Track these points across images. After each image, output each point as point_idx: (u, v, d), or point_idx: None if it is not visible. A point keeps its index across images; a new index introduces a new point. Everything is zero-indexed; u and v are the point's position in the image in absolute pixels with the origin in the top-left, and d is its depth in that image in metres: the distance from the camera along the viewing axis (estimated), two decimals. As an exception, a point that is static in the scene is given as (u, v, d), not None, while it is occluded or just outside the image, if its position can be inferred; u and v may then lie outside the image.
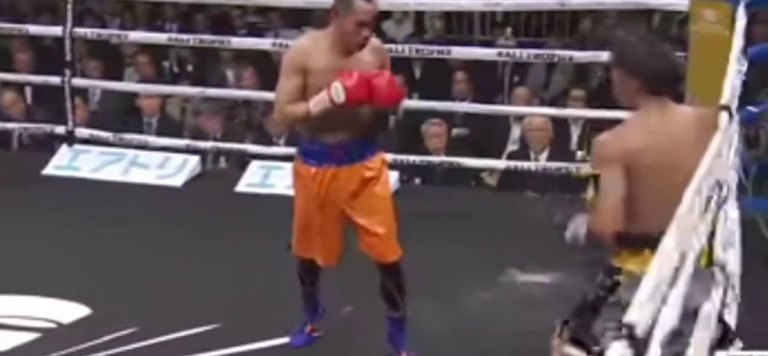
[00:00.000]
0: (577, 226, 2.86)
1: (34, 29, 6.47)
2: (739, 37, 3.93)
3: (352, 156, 3.40)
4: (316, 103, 3.27)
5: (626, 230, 2.65)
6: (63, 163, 5.69)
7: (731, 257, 3.50)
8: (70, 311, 4.04)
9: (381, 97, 3.29)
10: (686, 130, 2.70)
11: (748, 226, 4.22)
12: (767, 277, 3.69)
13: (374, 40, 3.45)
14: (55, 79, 5.85)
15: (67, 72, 5.78)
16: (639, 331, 1.55)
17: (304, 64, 3.29)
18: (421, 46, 6.23)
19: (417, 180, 5.87)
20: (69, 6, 5.71)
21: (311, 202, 3.45)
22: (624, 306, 2.58)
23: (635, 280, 2.61)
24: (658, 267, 1.76)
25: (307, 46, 3.37)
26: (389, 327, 3.56)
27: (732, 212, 3.81)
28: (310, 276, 3.67)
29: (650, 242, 2.53)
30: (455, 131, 6.45)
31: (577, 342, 2.75)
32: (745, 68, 4.36)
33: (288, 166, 5.63)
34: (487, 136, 6.38)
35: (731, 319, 3.22)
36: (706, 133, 2.63)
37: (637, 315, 1.58)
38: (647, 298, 1.64)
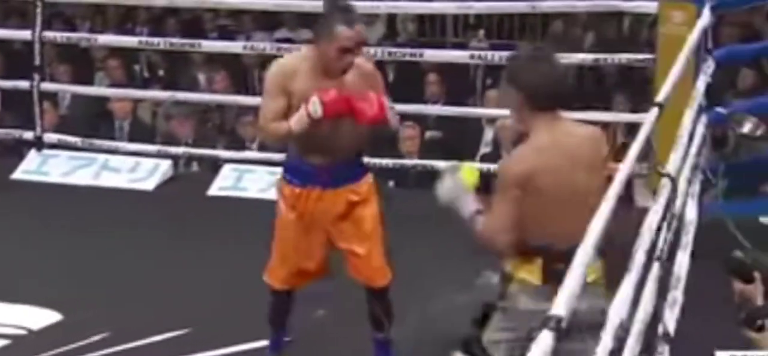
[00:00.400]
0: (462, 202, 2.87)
1: (2, 33, 6.43)
2: (696, 36, 3.98)
3: (337, 179, 3.34)
4: (297, 120, 3.21)
5: (521, 239, 2.70)
6: (32, 168, 5.65)
7: (680, 259, 3.57)
8: (40, 317, 4.01)
9: (361, 114, 3.24)
10: (579, 147, 2.73)
11: (716, 227, 4.29)
12: (721, 280, 3.72)
13: (367, 65, 3.39)
14: (23, 84, 5.81)
15: (36, 76, 5.74)
16: (564, 323, 1.63)
17: (287, 85, 3.25)
18: (393, 49, 6.26)
19: (390, 183, 5.89)
20: (38, 10, 5.68)
21: (295, 223, 3.36)
22: (515, 311, 2.68)
23: (526, 287, 2.68)
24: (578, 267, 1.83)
25: (291, 67, 3.30)
26: (375, 349, 3.52)
27: (689, 213, 3.88)
28: (281, 318, 3.56)
29: (542, 252, 2.67)
30: (428, 134, 6.48)
31: (467, 351, 2.82)
32: (711, 70, 4.42)
33: (261, 170, 5.68)
34: (460, 138, 6.41)
35: (672, 319, 3.28)
36: (600, 152, 2.75)
37: (563, 308, 1.67)
38: (571, 295, 1.73)
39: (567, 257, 2.41)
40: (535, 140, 2.72)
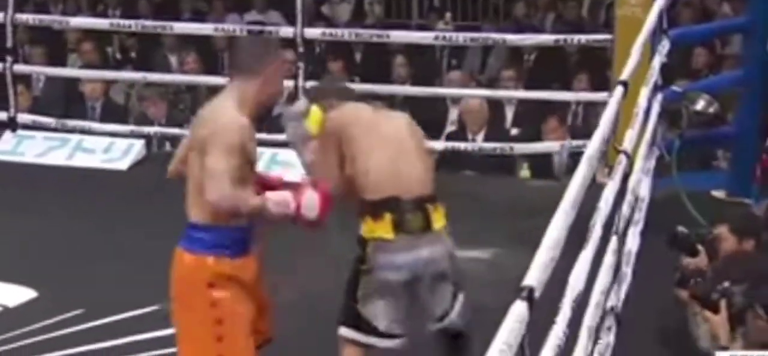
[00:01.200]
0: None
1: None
2: (652, 17, 4.02)
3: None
4: (278, 204, 2.63)
5: (367, 200, 2.87)
6: (7, 148, 5.61)
7: (631, 235, 3.62)
8: (16, 294, 3.99)
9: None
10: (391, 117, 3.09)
11: (669, 203, 4.34)
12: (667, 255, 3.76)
13: None
14: (-4, 66, 5.75)
15: (9, 59, 5.68)
16: (537, 294, 1.66)
17: (246, 146, 2.62)
18: (361, 31, 6.24)
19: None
20: (10, -8, 5.61)
21: (248, 300, 2.68)
22: (376, 270, 2.77)
23: (381, 243, 2.77)
24: (554, 234, 1.87)
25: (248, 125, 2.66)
26: None
27: (642, 190, 3.93)
28: None
29: (388, 206, 2.84)
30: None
31: (346, 323, 2.91)
32: (666, 50, 4.46)
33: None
34: (425, 118, 6.41)
35: (621, 293, 3.33)
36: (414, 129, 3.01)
37: (535, 278, 1.69)
38: (544, 264, 1.75)
39: (412, 207, 2.83)
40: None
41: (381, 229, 2.85)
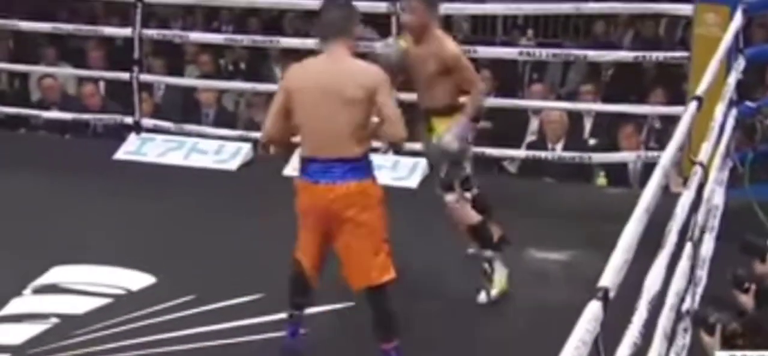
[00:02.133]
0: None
1: (108, 31, 6.56)
2: (729, 36, 3.90)
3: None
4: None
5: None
6: (132, 149, 5.76)
7: (706, 241, 3.50)
8: (138, 280, 4.11)
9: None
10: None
11: (742, 212, 4.19)
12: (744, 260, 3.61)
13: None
14: (124, 76, 5.94)
15: (136, 69, 5.86)
16: (612, 294, 1.62)
17: None
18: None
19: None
20: (138, 10, 5.79)
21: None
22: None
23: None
24: (628, 238, 1.83)
25: None
26: None
27: (715, 199, 3.80)
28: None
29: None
30: (480, 124, 6.43)
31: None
32: (741, 67, 4.32)
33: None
34: (508, 128, 6.36)
35: (697, 296, 3.22)
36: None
37: (610, 279, 1.65)
38: (618, 267, 1.71)
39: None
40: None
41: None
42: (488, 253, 3.82)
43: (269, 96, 6.51)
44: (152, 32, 6.19)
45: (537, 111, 6.17)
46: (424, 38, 3.66)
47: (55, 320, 3.81)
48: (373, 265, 3.11)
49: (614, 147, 5.47)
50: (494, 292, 3.81)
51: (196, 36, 6.79)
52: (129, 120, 5.92)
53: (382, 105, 3.03)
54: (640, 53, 5.64)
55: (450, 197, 3.73)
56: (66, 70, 7.29)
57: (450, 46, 3.70)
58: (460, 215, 3.76)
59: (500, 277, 3.82)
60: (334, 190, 3.07)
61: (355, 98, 3.04)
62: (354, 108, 3.04)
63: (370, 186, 3.11)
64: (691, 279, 3.02)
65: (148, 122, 5.94)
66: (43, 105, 6.60)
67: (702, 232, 3.27)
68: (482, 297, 3.81)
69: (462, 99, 3.68)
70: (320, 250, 3.22)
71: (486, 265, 3.82)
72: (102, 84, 6.74)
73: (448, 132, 3.62)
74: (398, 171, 5.24)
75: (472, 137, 3.83)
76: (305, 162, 3.17)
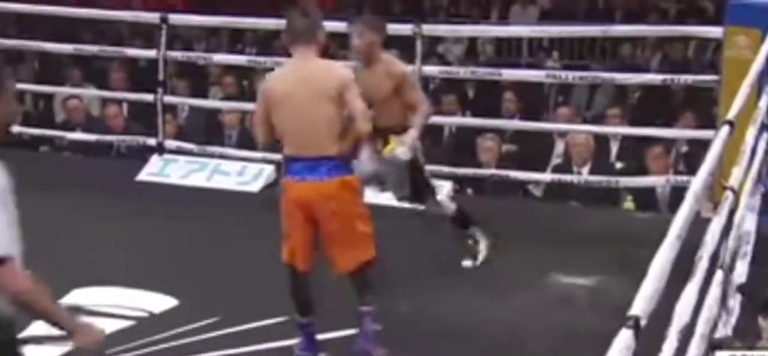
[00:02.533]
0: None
1: (132, 52, 6.64)
2: (761, 59, 3.86)
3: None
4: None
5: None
6: (154, 170, 5.81)
7: (739, 266, 3.45)
8: (160, 302, 4.13)
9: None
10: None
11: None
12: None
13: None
14: (148, 97, 6.00)
15: (160, 90, 5.91)
16: (643, 322, 1.60)
17: None
18: (474, 68, 6.24)
19: (469, 190, 5.86)
20: (163, 31, 5.85)
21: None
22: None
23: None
24: (660, 265, 1.80)
25: None
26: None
27: (748, 224, 3.75)
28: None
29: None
30: (505, 147, 6.43)
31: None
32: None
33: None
34: (533, 151, 6.34)
35: (731, 320, 3.18)
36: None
37: (641, 307, 1.63)
38: (650, 295, 1.69)
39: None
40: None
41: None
42: (471, 230, 4.28)
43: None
44: (176, 54, 6.24)
45: (563, 134, 6.15)
46: (373, 60, 3.94)
47: (77, 341, 3.82)
48: (357, 247, 3.48)
49: (641, 171, 5.43)
50: (481, 257, 4.28)
51: (220, 58, 6.85)
52: (152, 141, 5.98)
53: (350, 101, 3.34)
54: (668, 76, 5.61)
55: (436, 199, 4.22)
56: (91, 92, 7.38)
57: (399, 65, 4.05)
58: (444, 211, 4.24)
59: (485, 244, 4.28)
60: (322, 186, 3.39)
61: (330, 95, 3.34)
62: (329, 105, 3.35)
63: (352, 180, 3.46)
64: (723, 307, 2.98)
65: (171, 143, 5.99)
66: (68, 126, 6.68)
67: (733, 258, 3.23)
68: (467, 262, 4.26)
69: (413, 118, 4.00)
70: (311, 241, 3.51)
71: (469, 240, 4.26)
72: (125, 105, 6.82)
73: (400, 145, 3.93)
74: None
75: (422, 152, 4.18)
76: (289, 162, 3.47)
